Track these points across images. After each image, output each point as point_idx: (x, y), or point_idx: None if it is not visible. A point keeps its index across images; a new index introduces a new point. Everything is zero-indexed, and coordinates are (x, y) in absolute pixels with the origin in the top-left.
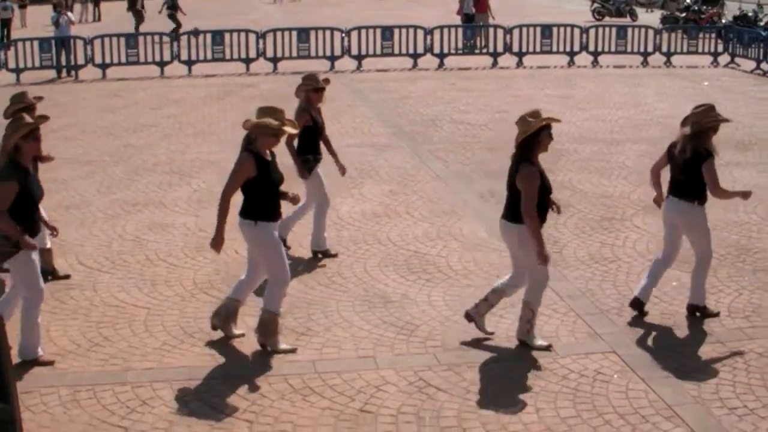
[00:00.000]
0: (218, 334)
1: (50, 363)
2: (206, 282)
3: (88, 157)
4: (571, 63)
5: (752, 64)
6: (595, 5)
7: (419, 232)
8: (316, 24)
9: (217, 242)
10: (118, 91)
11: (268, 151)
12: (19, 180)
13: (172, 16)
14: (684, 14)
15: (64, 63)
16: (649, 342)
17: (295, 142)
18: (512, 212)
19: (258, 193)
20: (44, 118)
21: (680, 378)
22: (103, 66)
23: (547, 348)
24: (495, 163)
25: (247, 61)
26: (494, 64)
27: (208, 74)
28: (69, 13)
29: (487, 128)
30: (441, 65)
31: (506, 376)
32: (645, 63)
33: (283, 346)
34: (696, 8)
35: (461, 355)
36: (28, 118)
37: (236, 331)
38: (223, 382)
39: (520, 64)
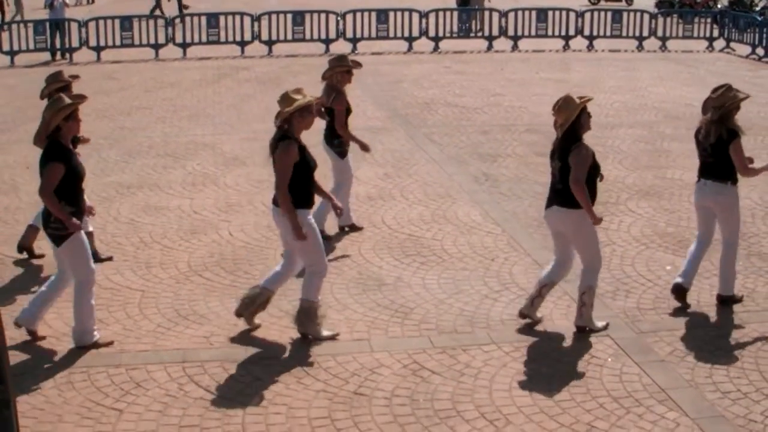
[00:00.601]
0: (212, 316)
1: (110, 344)
2: (201, 264)
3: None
4: (566, 47)
5: (747, 49)
6: None
7: (414, 215)
8: (312, 7)
9: (300, 235)
10: (112, 74)
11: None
12: (64, 161)
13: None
14: None
15: (58, 46)
16: (643, 326)
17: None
18: (569, 197)
19: (295, 180)
20: (82, 97)
21: (674, 362)
22: (98, 49)
23: (605, 327)
24: (490, 146)
25: (242, 44)
26: (489, 47)
27: (203, 57)
28: None
29: (482, 111)
30: (436, 48)
31: (500, 359)
32: (640, 47)
33: (325, 333)
34: None
35: (455, 338)
36: (66, 99)
37: (256, 322)
38: (217, 364)
39: (515, 47)
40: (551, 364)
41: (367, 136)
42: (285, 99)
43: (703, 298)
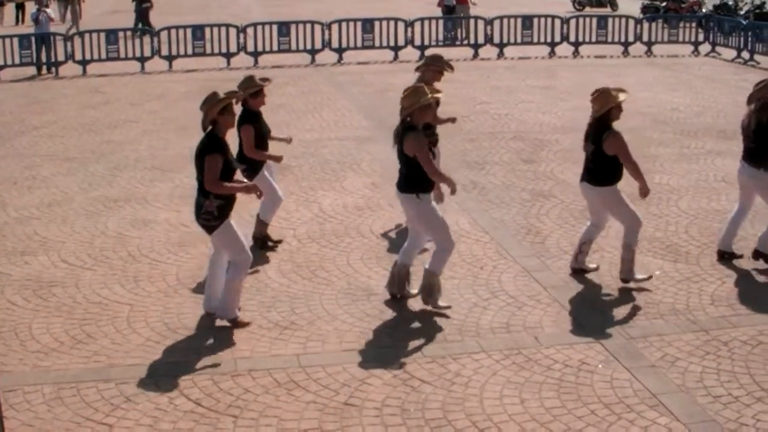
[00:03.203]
0: (201, 329)
1: (247, 324)
2: (189, 277)
3: (69, 153)
4: (552, 54)
5: (733, 53)
6: None
7: (402, 224)
8: (297, 17)
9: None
10: (98, 88)
11: None
12: (221, 152)
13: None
14: (664, 3)
15: (44, 60)
16: (633, 331)
17: None
18: (596, 176)
19: (420, 168)
20: (235, 93)
21: (664, 367)
22: (84, 62)
23: (650, 278)
24: (477, 154)
25: (228, 55)
26: (475, 55)
27: (189, 69)
28: (48, 10)
29: (469, 119)
30: (422, 57)
31: (490, 367)
32: (626, 53)
33: (441, 303)
34: None
35: (445, 347)
36: (220, 94)
37: (413, 291)
38: (207, 377)
39: (501, 55)
40: (542, 372)
41: (353, 145)
42: (407, 97)
43: (692, 302)
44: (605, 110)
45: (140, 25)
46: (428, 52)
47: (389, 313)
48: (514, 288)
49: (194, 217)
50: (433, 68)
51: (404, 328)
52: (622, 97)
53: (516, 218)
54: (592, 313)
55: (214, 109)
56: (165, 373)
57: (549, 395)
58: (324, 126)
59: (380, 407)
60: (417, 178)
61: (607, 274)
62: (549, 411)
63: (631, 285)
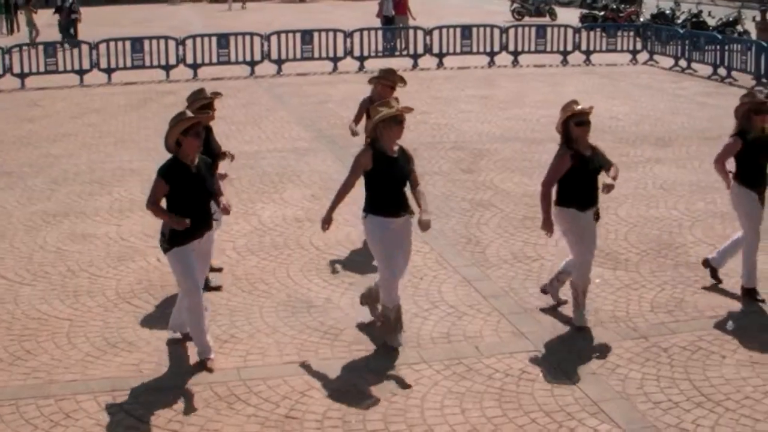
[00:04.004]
0: (141, 344)
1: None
2: (129, 291)
3: (7, 167)
4: (491, 63)
5: (670, 62)
6: (515, 5)
7: (342, 236)
8: (236, 30)
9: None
10: (37, 101)
11: None
12: (166, 178)
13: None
14: (603, 13)
15: None
16: (574, 340)
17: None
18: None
19: (368, 187)
20: (206, 114)
21: (605, 374)
22: (22, 75)
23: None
24: (416, 164)
25: (167, 67)
26: (414, 65)
27: (128, 82)
28: None
29: (408, 129)
30: (361, 68)
31: (431, 377)
32: (564, 62)
33: (393, 341)
34: (614, 6)
35: (386, 358)
36: (188, 113)
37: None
38: (147, 392)
39: (440, 65)
40: (483, 381)
41: (292, 157)
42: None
43: (632, 309)
44: (560, 125)
45: (65, 38)
46: (368, 64)
47: (329, 325)
48: (454, 298)
49: None
50: (383, 82)
51: (344, 340)
52: (577, 107)
53: (456, 228)
54: (533, 322)
55: (176, 130)
56: (105, 388)
57: (490, 404)
58: (263, 138)
59: (321, 419)
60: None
61: (546, 282)
62: (490, 420)
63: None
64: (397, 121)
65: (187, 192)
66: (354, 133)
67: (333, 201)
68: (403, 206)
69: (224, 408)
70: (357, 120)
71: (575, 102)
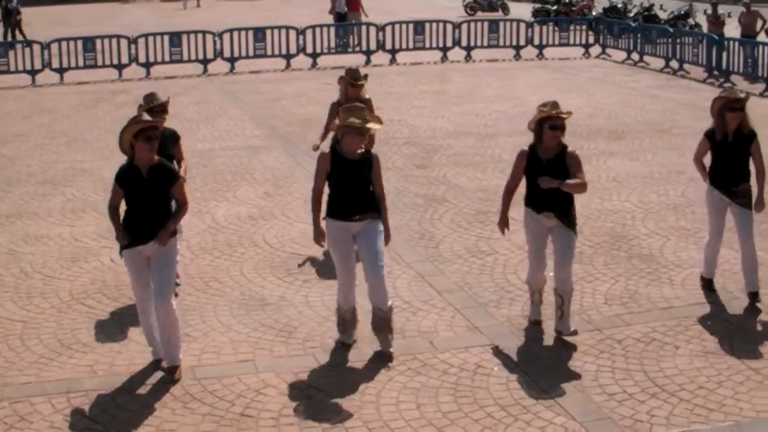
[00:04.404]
0: (95, 344)
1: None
2: (83, 292)
3: None
4: (444, 58)
5: (623, 55)
6: (467, 0)
7: (295, 233)
8: (188, 28)
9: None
10: None
11: None
12: (120, 182)
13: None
14: (555, 7)
15: None
16: (528, 333)
17: None
18: None
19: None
20: (156, 120)
21: (560, 367)
22: None
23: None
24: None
25: (120, 67)
26: (367, 61)
27: (81, 81)
28: None
29: None
30: (314, 65)
31: (386, 373)
32: (517, 56)
33: (343, 339)
34: (567, 1)
35: (341, 355)
36: (146, 116)
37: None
38: (102, 393)
39: (393, 61)
40: (438, 376)
41: (245, 155)
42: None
43: (586, 301)
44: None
45: (11, 38)
46: (320, 60)
47: (284, 323)
48: (408, 293)
49: None
50: (343, 80)
51: (299, 337)
52: (545, 109)
53: (410, 224)
54: (487, 316)
55: (127, 134)
56: (60, 390)
57: (445, 399)
58: (216, 136)
59: (277, 417)
60: None
61: (500, 277)
62: (446, 415)
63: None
64: (357, 131)
65: (135, 197)
66: (316, 148)
67: (312, 211)
68: (361, 210)
69: (179, 407)
70: (328, 125)
71: (555, 105)
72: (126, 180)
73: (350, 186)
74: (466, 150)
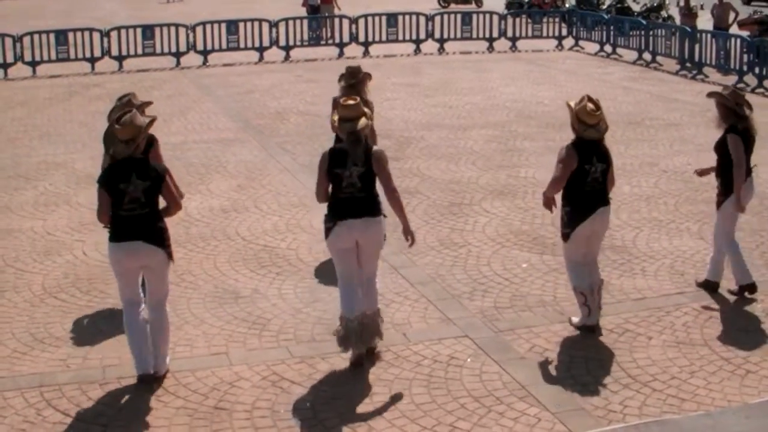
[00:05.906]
0: (68, 338)
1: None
2: (55, 286)
3: None
4: (417, 51)
5: (596, 47)
6: None
7: (268, 225)
8: (161, 20)
9: None
10: None
11: None
12: (102, 184)
13: None
14: None
15: None
16: (501, 324)
17: None
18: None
19: None
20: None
21: (533, 358)
22: None
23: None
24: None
25: (93, 60)
26: (341, 54)
27: (53, 75)
28: None
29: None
30: (287, 58)
31: (360, 366)
32: (491, 48)
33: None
34: None
35: (314, 348)
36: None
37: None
38: (75, 387)
39: (366, 53)
40: (411, 368)
41: (218, 148)
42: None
43: (559, 293)
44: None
45: None
46: (293, 53)
47: (257, 315)
48: (381, 285)
49: None
50: (346, 80)
51: (273, 330)
52: (572, 103)
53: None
54: (460, 308)
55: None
56: (32, 384)
57: (419, 391)
58: (189, 129)
59: (251, 410)
60: None
61: (473, 268)
62: (419, 407)
63: (500, 280)
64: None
65: (123, 191)
66: None
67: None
68: (357, 211)
69: (153, 401)
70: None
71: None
72: (106, 180)
73: (345, 186)
74: (439, 142)
